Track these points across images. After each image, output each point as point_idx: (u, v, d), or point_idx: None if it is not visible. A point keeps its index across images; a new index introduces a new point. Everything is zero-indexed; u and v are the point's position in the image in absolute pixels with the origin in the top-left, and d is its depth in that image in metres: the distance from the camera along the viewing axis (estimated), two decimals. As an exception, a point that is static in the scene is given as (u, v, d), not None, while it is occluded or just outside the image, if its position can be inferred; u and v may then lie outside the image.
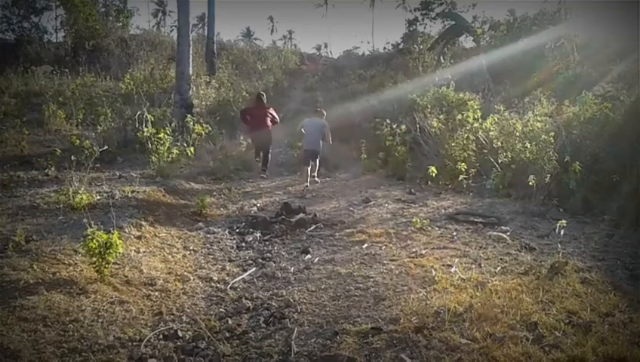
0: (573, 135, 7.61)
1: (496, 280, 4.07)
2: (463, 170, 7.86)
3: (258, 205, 7.48)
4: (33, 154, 8.53)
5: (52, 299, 3.64)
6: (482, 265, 4.53)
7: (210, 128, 10.70)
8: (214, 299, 4.18)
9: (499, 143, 8.11)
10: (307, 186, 8.67)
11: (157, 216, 6.14)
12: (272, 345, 3.32)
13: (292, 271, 4.72)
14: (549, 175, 6.73)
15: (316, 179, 9.00)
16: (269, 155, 9.89)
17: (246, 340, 3.42)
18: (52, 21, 22.78)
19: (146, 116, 9.23)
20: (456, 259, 4.64)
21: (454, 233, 5.59)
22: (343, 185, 8.94)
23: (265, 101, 10.15)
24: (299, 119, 12.85)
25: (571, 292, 3.85)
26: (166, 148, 8.40)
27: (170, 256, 5.05)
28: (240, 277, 4.61)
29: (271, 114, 9.85)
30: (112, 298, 3.84)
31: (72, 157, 6.68)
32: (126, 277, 4.28)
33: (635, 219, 5.82)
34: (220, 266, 4.96)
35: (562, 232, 4.75)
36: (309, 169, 8.88)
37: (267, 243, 5.73)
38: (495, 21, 17.40)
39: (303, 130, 9.12)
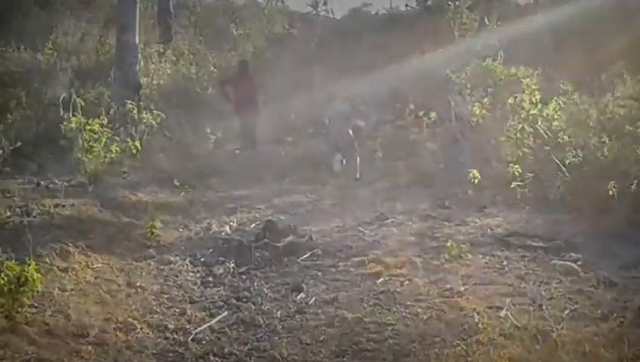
0: (670, 126, 7.64)
1: (563, 329, 4.08)
2: (517, 174, 7.87)
3: (231, 224, 7.50)
4: None
5: (-58, 357, 3.63)
6: (544, 307, 4.53)
7: (163, 116, 10.71)
8: (170, 356, 4.16)
9: (566, 137, 8.12)
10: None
11: (90, 239, 6.14)
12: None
13: (279, 316, 4.73)
14: (635, 181, 6.75)
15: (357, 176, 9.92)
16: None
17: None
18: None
19: (75, 100, 9.23)
20: (508, 299, 4.65)
21: (505, 262, 5.61)
22: (349, 195, 8.96)
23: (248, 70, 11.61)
24: (287, 104, 12.97)
25: (668, 345, 3.86)
26: (102, 144, 8.40)
27: (108, 296, 5.04)
28: (206, 325, 4.61)
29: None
30: (27, 354, 3.83)
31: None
32: (47, 324, 4.26)
33: None
34: (177, 310, 4.95)
35: (655, 261, 4.78)
36: (339, 157, 10.19)
37: (244, 277, 5.74)
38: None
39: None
